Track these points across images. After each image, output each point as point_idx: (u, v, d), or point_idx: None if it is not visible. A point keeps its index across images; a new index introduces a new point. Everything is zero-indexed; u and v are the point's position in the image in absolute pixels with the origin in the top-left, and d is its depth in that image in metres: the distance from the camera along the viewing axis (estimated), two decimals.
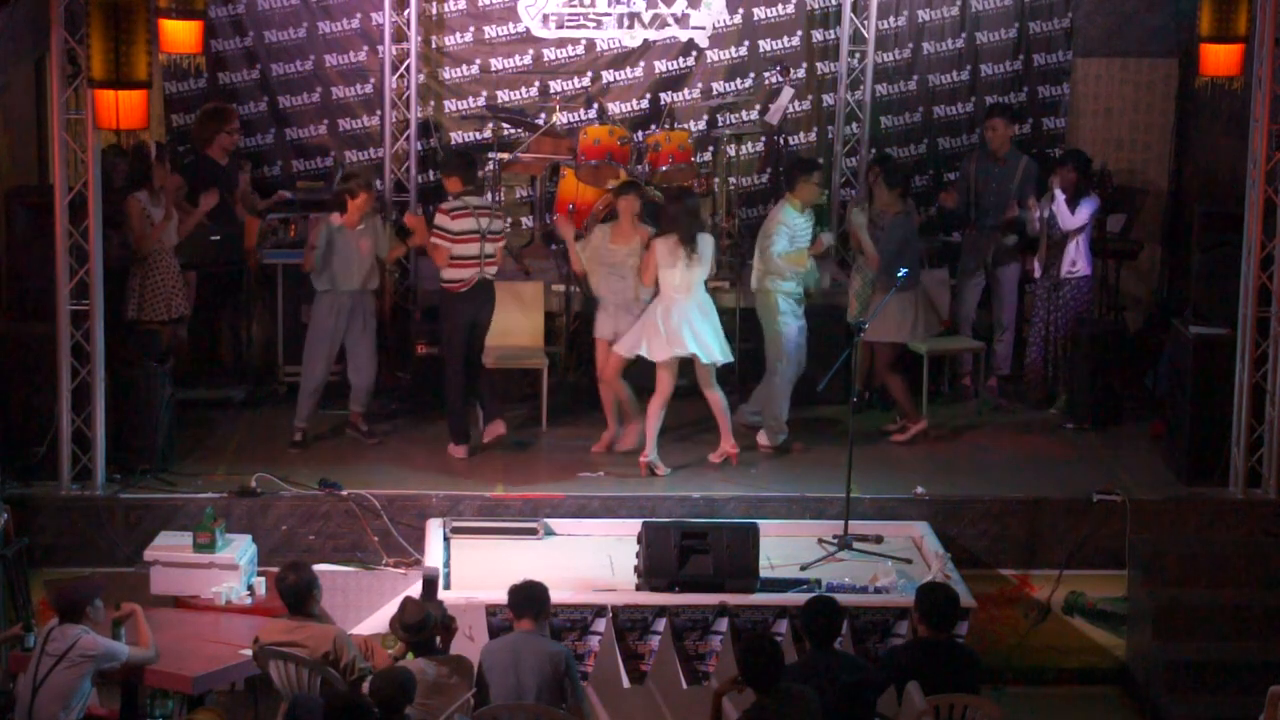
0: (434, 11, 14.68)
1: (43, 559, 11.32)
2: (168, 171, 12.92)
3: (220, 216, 13.58)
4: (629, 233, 12.28)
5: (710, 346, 12.09)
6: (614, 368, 12.33)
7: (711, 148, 14.87)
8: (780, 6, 14.97)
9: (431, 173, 14.69)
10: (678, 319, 12.00)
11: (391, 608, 10.23)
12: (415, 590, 10.46)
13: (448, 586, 10.60)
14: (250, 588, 10.55)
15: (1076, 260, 13.34)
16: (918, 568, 11.08)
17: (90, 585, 9.44)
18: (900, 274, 12.16)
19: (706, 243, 12.15)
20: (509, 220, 12.52)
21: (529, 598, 9.29)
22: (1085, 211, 13.24)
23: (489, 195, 13.89)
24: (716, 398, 12.28)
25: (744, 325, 13.36)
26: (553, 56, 14.90)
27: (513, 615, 9.31)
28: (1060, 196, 13.20)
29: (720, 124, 14.92)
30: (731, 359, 12.35)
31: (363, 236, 12.36)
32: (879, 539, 11.40)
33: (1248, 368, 11.90)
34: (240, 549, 10.70)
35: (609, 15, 14.78)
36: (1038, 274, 13.53)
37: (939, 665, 9.09)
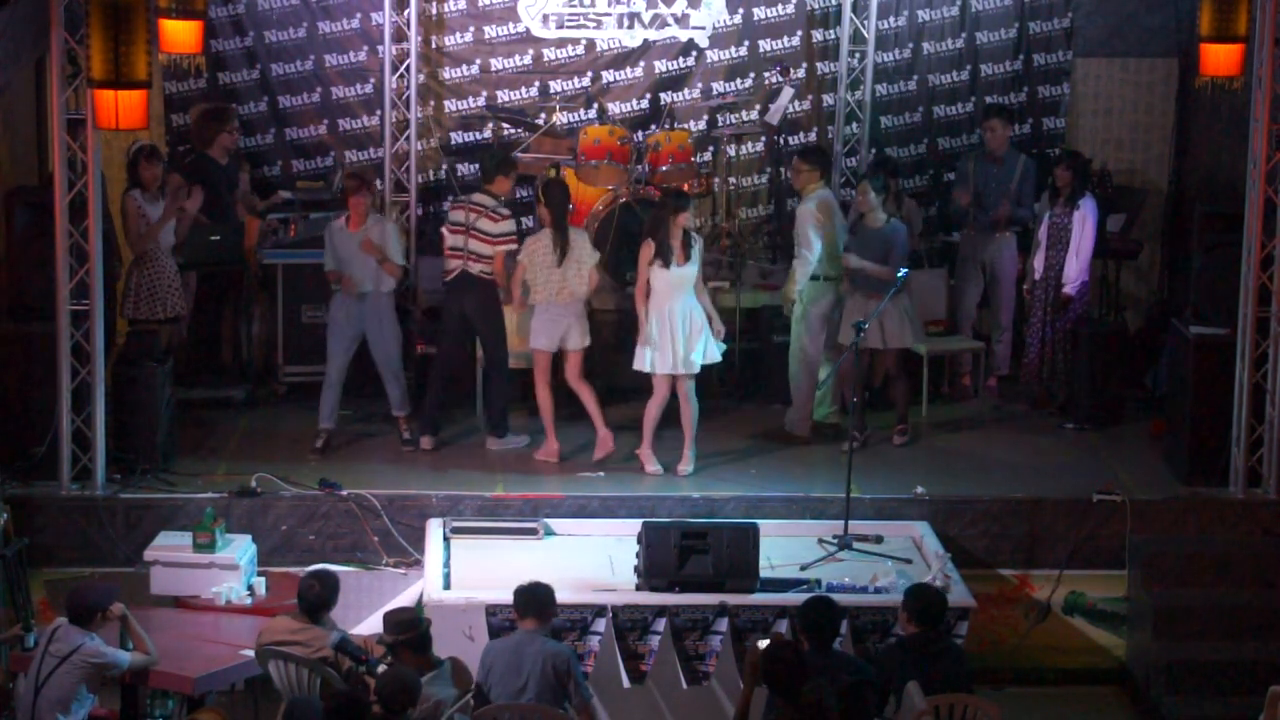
0: (434, 11, 14.66)
1: (43, 559, 11.32)
2: (159, 171, 12.92)
3: (220, 216, 13.58)
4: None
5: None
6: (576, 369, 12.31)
7: (711, 148, 14.86)
8: (780, 6, 14.96)
9: (432, 172, 14.70)
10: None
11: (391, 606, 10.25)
12: (409, 597, 10.51)
13: (448, 586, 10.61)
14: (250, 588, 10.54)
15: (1078, 266, 13.32)
16: (918, 568, 11.06)
17: (104, 591, 9.43)
18: (901, 273, 12.15)
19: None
20: (512, 226, 12.48)
21: (533, 598, 9.30)
22: (1093, 222, 13.21)
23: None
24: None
25: (745, 325, 13.37)
26: (553, 56, 14.88)
27: (517, 615, 9.33)
28: (1091, 218, 13.17)
29: (720, 124, 14.90)
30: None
31: (365, 236, 12.35)
32: (879, 539, 11.39)
33: (1248, 368, 11.90)
34: (240, 549, 10.69)
35: (609, 15, 14.76)
36: (1038, 275, 13.51)
37: (930, 662, 9.09)
